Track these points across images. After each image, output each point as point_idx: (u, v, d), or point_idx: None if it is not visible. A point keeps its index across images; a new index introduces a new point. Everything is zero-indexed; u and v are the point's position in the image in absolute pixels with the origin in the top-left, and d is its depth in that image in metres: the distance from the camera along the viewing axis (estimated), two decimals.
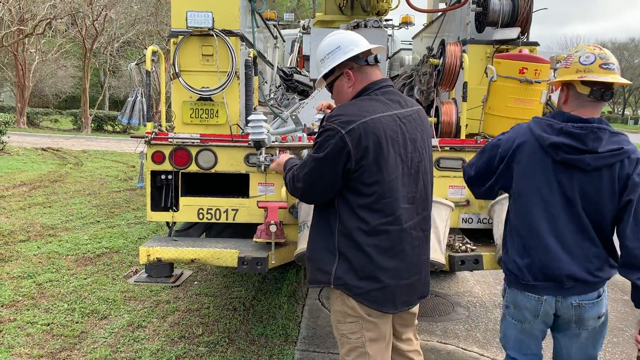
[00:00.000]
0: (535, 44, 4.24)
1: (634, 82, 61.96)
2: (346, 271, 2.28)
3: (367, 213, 2.24)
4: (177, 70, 3.99)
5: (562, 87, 2.44)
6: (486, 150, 2.57)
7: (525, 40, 4.24)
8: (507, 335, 2.65)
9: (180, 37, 3.97)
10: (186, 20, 3.84)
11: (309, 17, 8.37)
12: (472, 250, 3.81)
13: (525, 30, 4.21)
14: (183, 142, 3.85)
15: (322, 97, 4.34)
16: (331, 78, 2.41)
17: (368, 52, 2.38)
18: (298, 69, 6.80)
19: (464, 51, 4.13)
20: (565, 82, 2.38)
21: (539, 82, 3.69)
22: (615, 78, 2.30)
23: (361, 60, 2.35)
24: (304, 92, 5.96)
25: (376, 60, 2.39)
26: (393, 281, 2.29)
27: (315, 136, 2.34)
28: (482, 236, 4.07)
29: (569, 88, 2.38)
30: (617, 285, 5.92)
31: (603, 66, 2.30)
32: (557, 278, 2.35)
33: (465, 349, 4.23)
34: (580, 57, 2.33)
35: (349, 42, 2.35)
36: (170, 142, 3.85)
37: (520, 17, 4.15)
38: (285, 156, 2.80)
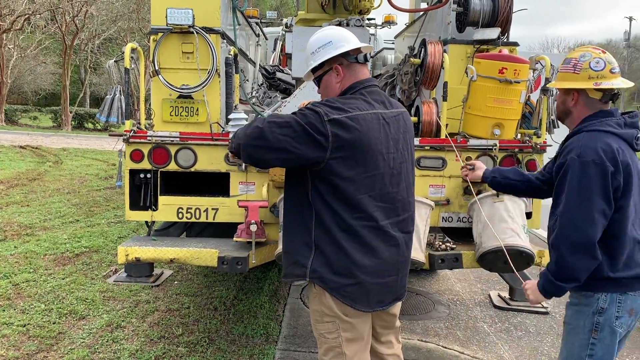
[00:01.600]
0: (515, 44, 4.27)
1: None
2: (322, 264, 2.27)
3: (343, 207, 2.23)
4: (156, 68, 3.95)
5: (568, 92, 2.43)
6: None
7: (505, 40, 4.28)
8: (610, 358, 2.36)
9: (160, 34, 3.93)
10: (166, 17, 3.80)
11: (292, 15, 8.35)
12: (452, 248, 3.83)
13: (505, 30, 4.24)
14: (162, 141, 3.81)
15: (304, 96, 4.33)
16: (320, 72, 2.41)
17: (358, 50, 2.40)
18: (280, 67, 6.77)
19: (444, 51, 4.15)
20: (576, 89, 2.38)
21: (519, 82, 3.73)
22: (626, 82, 2.37)
23: (351, 57, 2.36)
24: (287, 90, 5.95)
25: (365, 59, 2.41)
26: (367, 279, 2.28)
27: None
28: (462, 235, 4.10)
29: (579, 93, 2.39)
30: None
31: (612, 70, 2.34)
32: None
33: (445, 347, 4.25)
34: (590, 62, 2.33)
35: (341, 38, 2.37)
36: (149, 140, 3.81)
37: (500, 18, 4.18)
38: None
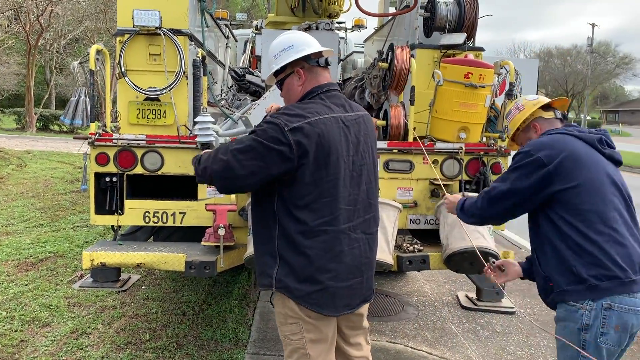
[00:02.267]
0: (481, 49, 4.36)
1: (576, 87, 64.79)
2: (286, 274, 2.28)
3: (305, 213, 2.24)
4: (123, 70, 3.89)
5: (529, 128, 2.61)
6: None
7: (471, 45, 4.36)
8: None
9: (126, 36, 3.88)
10: (132, 18, 3.75)
11: (262, 18, 8.33)
12: (420, 250, 3.88)
13: (471, 35, 4.33)
14: (128, 144, 3.76)
15: (274, 98, 4.32)
16: (282, 75, 2.43)
17: (319, 54, 2.42)
18: (250, 69, 6.75)
19: (412, 55, 4.20)
20: (532, 118, 2.57)
21: (484, 87, 3.81)
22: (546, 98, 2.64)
23: (312, 61, 2.38)
24: (256, 92, 5.93)
25: (327, 63, 2.42)
26: (333, 283, 2.29)
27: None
28: (431, 237, 4.15)
29: (537, 122, 2.57)
30: None
31: (542, 98, 2.61)
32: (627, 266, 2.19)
33: (414, 348, 4.30)
34: (524, 99, 2.66)
35: (302, 42, 2.39)
36: (115, 143, 3.75)
37: (466, 23, 4.27)
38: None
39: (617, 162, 2.42)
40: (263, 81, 5.50)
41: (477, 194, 3.64)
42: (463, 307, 5.25)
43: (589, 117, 62.50)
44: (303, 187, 2.22)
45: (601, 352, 2.20)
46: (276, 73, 2.44)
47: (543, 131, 2.52)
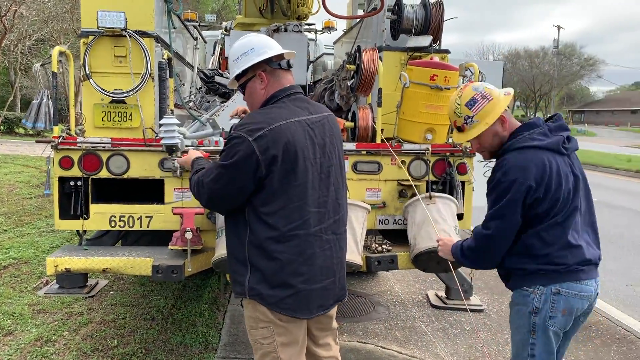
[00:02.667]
0: (446, 51, 4.42)
1: (543, 88, 66.26)
2: (258, 281, 2.29)
3: (276, 219, 2.24)
4: (87, 72, 3.82)
5: (497, 121, 2.46)
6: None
7: (437, 48, 4.42)
8: (547, 356, 2.46)
9: (90, 37, 3.82)
10: (97, 20, 3.69)
11: (232, 19, 8.28)
12: (388, 250, 3.92)
13: (437, 38, 4.39)
14: (93, 147, 3.69)
15: (243, 100, 4.31)
16: (244, 79, 2.42)
17: (280, 57, 2.41)
18: (220, 71, 6.71)
19: (379, 57, 4.24)
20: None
21: (449, 89, 3.86)
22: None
23: (274, 64, 2.38)
24: (226, 94, 5.89)
25: (289, 66, 2.42)
26: (306, 286, 2.31)
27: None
28: (400, 237, 4.19)
29: (505, 114, 2.47)
30: None
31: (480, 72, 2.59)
32: (597, 260, 2.49)
33: (384, 348, 4.33)
34: (485, 86, 2.48)
35: (262, 44, 2.38)
36: (79, 146, 3.68)
37: (432, 26, 4.33)
38: (195, 153, 2.77)
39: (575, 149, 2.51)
40: None
41: (445, 196, 3.68)
42: (433, 306, 5.32)
43: None
44: (272, 193, 2.24)
45: (548, 334, 2.41)
46: (238, 77, 2.43)
47: (508, 124, 2.45)
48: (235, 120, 2.71)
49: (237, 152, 2.19)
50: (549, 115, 2.63)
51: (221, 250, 3.34)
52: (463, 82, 4.15)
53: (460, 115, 2.50)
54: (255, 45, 2.36)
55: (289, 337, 2.37)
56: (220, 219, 3.48)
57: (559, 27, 59.05)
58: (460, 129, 2.54)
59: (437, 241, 2.81)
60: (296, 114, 2.31)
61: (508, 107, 2.51)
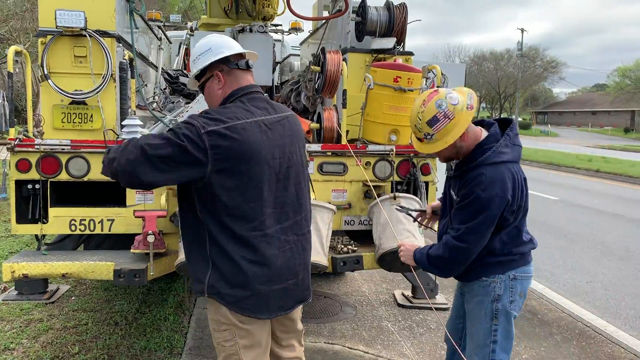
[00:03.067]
0: (410, 53, 4.47)
1: (508, 89, 67.68)
2: (218, 279, 2.24)
3: (230, 219, 2.21)
4: (46, 72, 3.73)
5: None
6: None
7: (401, 50, 4.47)
8: (507, 341, 2.62)
9: (49, 37, 3.72)
10: (55, 19, 3.60)
11: (198, 19, 8.20)
12: (354, 251, 3.94)
13: (400, 40, 4.44)
14: (52, 149, 3.60)
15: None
16: (203, 79, 2.39)
17: (239, 56, 2.39)
18: (185, 71, 6.62)
19: (344, 59, 4.26)
20: None
21: (412, 90, 3.90)
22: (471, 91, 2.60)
23: (232, 64, 2.35)
24: (190, 95, 5.82)
25: (247, 66, 2.39)
26: (265, 287, 2.27)
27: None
28: (366, 237, 4.21)
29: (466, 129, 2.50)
30: None
31: (454, 89, 2.53)
32: (530, 248, 2.67)
33: (351, 348, 4.35)
34: (449, 103, 2.42)
35: (220, 44, 2.36)
36: (37, 149, 3.59)
37: (396, 28, 4.37)
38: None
39: None
40: None
41: (409, 196, 3.71)
42: (399, 305, 5.37)
43: (520, 119, 65.34)
44: (225, 193, 2.18)
45: (510, 318, 2.61)
46: (197, 77, 2.40)
47: (467, 138, 2.50)
48: (132, 122, 2.67)
49: (186, 135, 2.09)
50: (500, 117, 2.71)
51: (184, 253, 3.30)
52: (427, 84, 4.21)
53: (420, 130, 2.51)
54: (213, 45, 2.34)
55: (251, 340, 2.35)
56: None
57: (522, 30, 60.54)
58: (420, 140, 2.57)
59: (399, 246, 2.80)
60: (253, 113, 2.27)
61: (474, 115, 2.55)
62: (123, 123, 3.45)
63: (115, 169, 2.13)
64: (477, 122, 2.64)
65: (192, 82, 2.46)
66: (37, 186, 3.62)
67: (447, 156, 2.61)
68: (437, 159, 4.01)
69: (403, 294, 5.58)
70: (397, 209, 3.10)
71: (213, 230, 2.22)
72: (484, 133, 2.58)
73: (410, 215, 3.06)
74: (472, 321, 2.69)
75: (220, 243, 2.22)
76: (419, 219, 3.10)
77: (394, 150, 4.02)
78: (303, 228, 2.48)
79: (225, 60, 2.34)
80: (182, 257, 3.30)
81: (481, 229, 2.44)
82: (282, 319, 2.49)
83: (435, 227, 3.05)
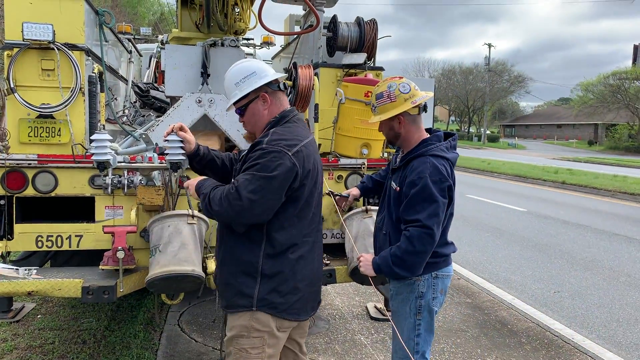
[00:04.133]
0: (381, 68, 4.54)
1: (476, 103, 69.11)
2: (270, 291, 2.39)
3: (298, 227, 2.43)
4: (12, 85, 3.65)
5: (393, 118, 2.81)
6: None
7: (371, 65, 4.53)
8: (429, 335, 2.88)
9: (15, 50, 3.66)
10: (22, 32, 3.55)
11: (169, 32, 8.16)
12: (327, 264, 3.94)
13: (371, 55, 4.50)
14: (18, 164, 3.52)
15: (179, 114, 4.25)
16: (245, 101, 2.50)
17: (276, 80, 2.54)
18: (156, 85, 6.58)
19: (316, 74, 4.29)
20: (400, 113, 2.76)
21: None
22: (428, 93, 2.88)
23: (274, 86, 2.52)
24: (161, 108, 5.78)
25: (285, 87, 2.58)
26: (308, 289, 2.51)
27: (249, 157, 2.36)
28: (339, 250, 4.22)
29: (403, 115, 2.79)
30: (462, 289, 6.48)
31: (416, 88, 2.81)
32: (452, 251, 2.93)
33: None
34: (398, 89, 2.76)
35: (263, 68, 2.52)
36: (2, 163, 3.50)
37: (366, 44, 4.44)
38: (195, 180, 2.66)
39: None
40: (167, 97, 5.38)
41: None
42: (372, 318, 5.39)
43: (488, 132, 66.72)
44: (301, 202, 2.41)
45: (432, 314, 2.86)
46: (238, 99, 2.50)
47: (405, 126, 2.80)
48: (173, 138, 2.64)
49: (278, 165, 2.27)
50: (448, 131, 2.94)
51: (155, 270, 3.25)
52: (375, 109, 4.27)
53: (371, 102, 2.91)
54: (257, 69, 2.48)
55: (276, 349, 2.49)
56: (154, 237, 3.39)
57: (489, 45, 62.18)
58: (372, 111, 2.93)
59: (358, 259, 2.90)
60: (308, 133, 2.55)
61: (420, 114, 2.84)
62: (92, 138, 3.39)
63: (234, 215, 2.32)
64: (427, 130, 2.91)
65: (231, 107, 2.56)
66: (1, 202, 3.53)
67: (386, 134, 2.92)
68: None
69: (376, 307, 5.61)
70: (327, 193, 3.41)
71: (277, 239, 2.39)
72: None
73: (333, 195, 3.49)
74: (398, 317, 2.91)
75: (280, 252, 2.40)
76: (339, 201, 3.48)
77: (366, 163, 4.06)
78: (321, 235, 2.73)
79: (269, 83, 2.49)
80: (152, 272, 3.25)
81: (438, 211, 2.64)
82: (304, 323, 2.67)
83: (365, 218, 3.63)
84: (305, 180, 2.39)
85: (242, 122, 2.60)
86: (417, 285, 2.81)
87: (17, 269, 3.36)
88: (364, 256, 2.86)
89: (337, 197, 3.50)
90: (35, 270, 3.41)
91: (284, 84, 2.58)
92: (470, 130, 75.84)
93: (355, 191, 3.43)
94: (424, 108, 2.84)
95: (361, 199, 4.11)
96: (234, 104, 2.53)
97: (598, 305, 6.23)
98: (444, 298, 2.93)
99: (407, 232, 2.65)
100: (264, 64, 2.57)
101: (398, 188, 2.80)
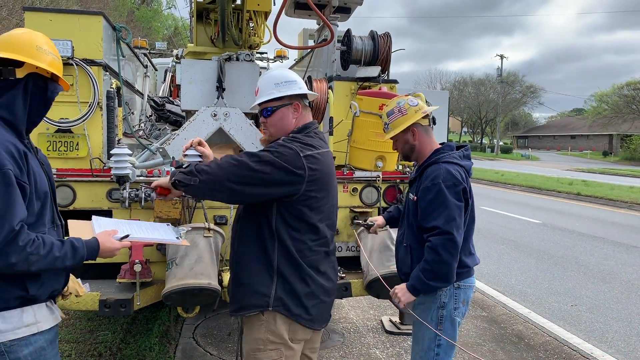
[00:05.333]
0: (394, 81, 4.56)
1: (489, 114, 68.85)
2: (286, 292, 2.39)
3: (308, 235, 2.42)
4: None
5: (407, 131, 2.91)
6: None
7: (385, 78, 4.55)
8: (450, 347, 2.85)
9: None
10: None
11: (183, 46, 8.27)
12: (342, 278, 3.93)
13: (385, 68, 4.52)
14: None
15: (194, 128, 4.28)
16: (278, 103, 2.52)
17: (306, 96, 2.61)
18: (171, 98, 6.65)
19: (330, 87, 4.32)
20: (412, 124, 2.88)
21: None
22: (433, 106, 3.03)
23: (306, 100, 2.59)
24: (177, 122, 5.84)
25: (311, 105, 2.68)
26: (325, 298, 2.51)
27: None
28: (354, 263, 4.21)
29: (415, 127, 2.88)
30: (477, 302, 6.42)
31: (425, 100, 2.97)
32: (475, 263, 2.93)
33: None
34: (407, 102, 2.88)
35: (301, 82, 2.60)
36: None
37: (380, 57, 4.46)
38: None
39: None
40: (183, 110, 5.43)
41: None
42: (387, 332, 5.35)
43: (501, 143, 66.40)
44: (310, 211, 2.40)
45: (455, 325, 2.85)
46: (270, 99, 2.52)
47: (419, 137, 2.89)
48: (191, 152, 2.64)
49: (287, 157, 2.31)
50: (459, 144, 3.01)
51: (172, 283, 3.27)
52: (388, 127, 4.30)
53: (383, 122, 3.01)
54: (298, 80, 2.57)
55: None
56: (171, 250, 3.41)
57: (501, 57, 61.88)
58: (384, 131, 3.04)
59: (394, 296, 2.84)
60: (327, 145, 2.58)
61: (431, 125, 2.94)
62: (111, 152, 3.45)
63: (209, 179, 2.27)
64: (441, 144, 2.98)
65: (255, 106, 2.58)
66: None
67: (402, 148, 2.98)
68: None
69: (391, 320, 5.57)
70: (355, 222, 3.53)
71: (288, 243, 2.38)
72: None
73: (358, 225, 3.51)
74: (418, 326, 2.91)
75: (293, 256, 2.39)
76: (369, 229, 3.46)
77: (381, 176, 4.06)
78: (334, 247, 2.71)
79: (304, 95, 2.56)
80: (169, 285, 3.27)
81: (454, 215, 2.67)
82: (316, 335, 2.66)
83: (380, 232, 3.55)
84: (313, 185, 2.37)
85: (264, 124, 2.57)
86: (439, 295, 2.81)
87: None
88: (397, 288, 2.83)
89: (363, 226, 3.50)
90: None
91: (311, 102, 2.66)
92: (483, 141, 75.52)
93: (380, 220, 3.39)
94: (433, 121, 2.94)
95: (376, 211, 4.12)
96: (267, 102, 2.52)
97: (617, 319, 6.13)
98: (467, 309, 2.93)
99: (430, 243, 2.68)
100: (302, 80, 2.64)
101: (415, 197, 2.84)
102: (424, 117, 2.88)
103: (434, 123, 2.95)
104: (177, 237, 2.45)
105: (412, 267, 2.84)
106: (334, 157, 4.11)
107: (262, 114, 2.57)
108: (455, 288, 2.82)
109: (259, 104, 2.55)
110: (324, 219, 2.48)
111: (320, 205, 2.44)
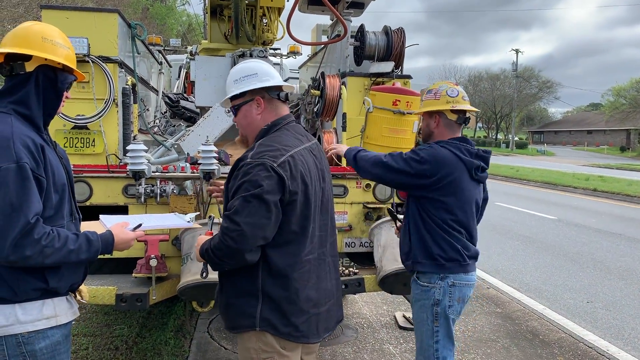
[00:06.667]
0: (408, 77, 4.54)
1: (504, 109, 68.23)
2: (272, 310, 2.23)
3: (294, 246, 2.23)
4: None
5: (431, 115, 2.94)
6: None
7: (399, 73, 4.53)
8: (448, 341, 2.88)
9: None
10: None
11: (197, 43, 8.30)
12: (355, 273, 3.94)
13: (399, 64, 4.51)
14: None
15: (209, 124, 4.32)
16: (240, 101, 2.39)
17: (279, 88, 2.42)
18: (185, 95, 6.68)
19: (343, 83, 4.32)
20: (437, 110, 2.89)
21: (411, 114, 3.95)
22: (473, 108, 2.97)
23: (273, 93, 2.39)
24: (191, 118, 5.87)
25: (286, 98, 2.43)
26: (315, 310, 2.32)
27: (235, 174, 2.21)
28: (367, 259, 4.22)
29: (440, 116, 2.91)
30: (492, 298, 6.39)
31: (464, 98, 2.87)
32: (476, 256, 2.94)
33: None
34: (446, 90, 2.91)
35: (266, 72, 2.39)
36: None
37: (394, 52, 4.45)
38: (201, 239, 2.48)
39: (483, 182, 3.00)
40: (197, 107, 5.47)
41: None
42: (400, 327, 5.35)
43: (516, 138, 65.78)
44: (294, 220, 2.21)
45: (449, 322, 2.87)
46: (233, 97, 2.41)
47: (440, 126, 2.91)
48: (208, 148, 2.59)
49: (265, 178, 2.11)
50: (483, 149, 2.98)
51: (187, 278, 3.31)
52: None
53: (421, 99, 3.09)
54: (260, 71, 2.38)
55: None
56: (186, 245, 3.45)
57: (517, 51, 61.23)
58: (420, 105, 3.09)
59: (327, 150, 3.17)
60: (301, 141, 2.35)
61: (459, 123, 2.93)
62: (127, 148, 3.48)
63: (238, 245, 2.11)
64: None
65: (226, 101, 2.47)
66: None
67: (423, 129, 3.05)
68: None
69: (404, 316, 5.56)
70: (388, 210, 3.44)
71: (272, 258, 2.21)
72: None
73: (391, 214, 3.40)
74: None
75: (278, 272, 2.22)
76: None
77: None
78: (335, 249, 2.55)
79: (268, 89, 2.37)
80: (184, 280, 3.31)
81: (407, 163, 2.82)
82: (313, 344, 2.46)
83: None
84: (296, 193, 2.19)
85: (236, 123, 2.50)
86: (433, 292, 2.85)
87: None
88: (338, 145, 3.20)
89: (398, 224, 3.31)
90: None
91: (287, 94, 2.42)
92: (498, 136, 74.86)
93: None
94: (464, 120, 2.92)
95: (389, 207, 4.11)
96: (232, 101, 2.42)
97: (634, 316, 6.07)
98: (462, 307, 2.93)
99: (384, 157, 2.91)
100: (271, 69, 2.44)
101: None
102: (452, 112, 2.88)
103: (466, 123, 2.94)
104: (188, 221, 2.44)
105: (410, 245, 2.91)
106: None
107: (233, 113, 2.47)
108: (450, 285, 2.83)
109: (228, 102, 2.45)
110: (308, 224, 2.27)
111: (305, 208, 2.24)
